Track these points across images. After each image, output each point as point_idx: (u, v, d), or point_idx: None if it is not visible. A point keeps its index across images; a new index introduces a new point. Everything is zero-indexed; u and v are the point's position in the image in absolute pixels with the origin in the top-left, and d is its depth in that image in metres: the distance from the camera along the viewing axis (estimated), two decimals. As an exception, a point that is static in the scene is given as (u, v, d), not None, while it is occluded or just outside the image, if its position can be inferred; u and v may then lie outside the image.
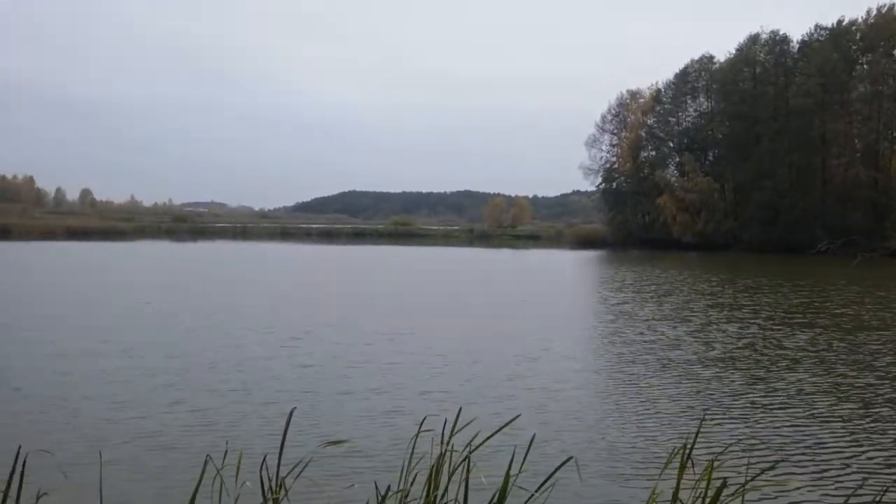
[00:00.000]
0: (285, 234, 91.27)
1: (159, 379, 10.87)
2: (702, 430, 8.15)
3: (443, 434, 3.67)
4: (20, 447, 2.85)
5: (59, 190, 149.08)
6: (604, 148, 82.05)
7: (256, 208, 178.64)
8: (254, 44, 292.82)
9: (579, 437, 8.35)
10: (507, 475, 3.35)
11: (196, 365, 11.94)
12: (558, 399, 10.11)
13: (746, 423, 9.05)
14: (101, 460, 3.80)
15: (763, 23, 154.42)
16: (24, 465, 2.83)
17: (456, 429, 3.64)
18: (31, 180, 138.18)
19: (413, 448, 3.68)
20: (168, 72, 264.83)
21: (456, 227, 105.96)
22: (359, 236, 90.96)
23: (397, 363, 12.39)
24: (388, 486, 3.22)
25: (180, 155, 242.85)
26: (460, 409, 4.02)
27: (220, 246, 64.02)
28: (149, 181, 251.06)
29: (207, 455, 3.21)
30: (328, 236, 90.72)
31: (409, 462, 3.69)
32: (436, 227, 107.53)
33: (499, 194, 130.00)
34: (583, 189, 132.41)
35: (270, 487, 3.17)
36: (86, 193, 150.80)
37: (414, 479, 3.59)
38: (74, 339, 14.29)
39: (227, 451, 3.33)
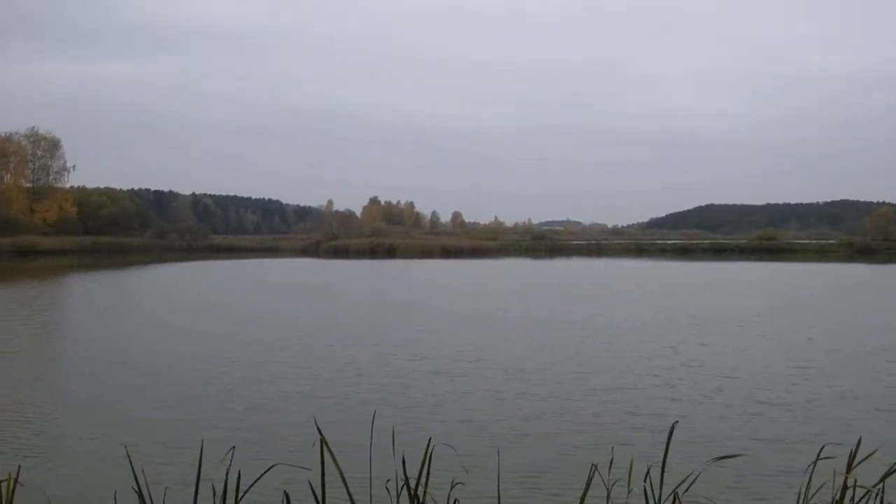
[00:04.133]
0: (639, 251, 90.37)
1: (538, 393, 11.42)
2: None
3: (848, 464, 3.28)
4: (430, 439, 3.12)
5: (434, 213, 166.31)
6: None
7: (610, 225, 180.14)
8: (602, 62, 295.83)
9: None
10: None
11: (573, 379, 12.33)
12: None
13: None
14: (500, 458, 4.03)
15: None
16: (431, 457, 3.09)
17: (859, 460, 3.22)
18: (411, 205, 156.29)
19: (811, 476, 3.34)
20: (521, 101, 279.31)
21: (831, 241, 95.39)
22: (718, 252, 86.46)
23: (792, 405, 11.06)
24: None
25: (538, 177, 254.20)
26: (860, 438, 3.56)
27: (579, 263, 65.54)
28: (510, 202, 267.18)
29: (593, 464, 3.23)
30: (684, 252, 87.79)
31: (807, 493, 3.35)
32: (806, 241, 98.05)
33: (884, 203, 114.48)
34: None
35: (656, 498, 3.08)
36: (456, 216, 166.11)
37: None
38: (446, 356, 15.61)
39: (612, 459, 3.32)
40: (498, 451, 4.40)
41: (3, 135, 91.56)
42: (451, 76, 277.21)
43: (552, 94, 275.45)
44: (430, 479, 3.09)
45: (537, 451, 8.22)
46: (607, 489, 3.20)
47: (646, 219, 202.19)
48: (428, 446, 3.06)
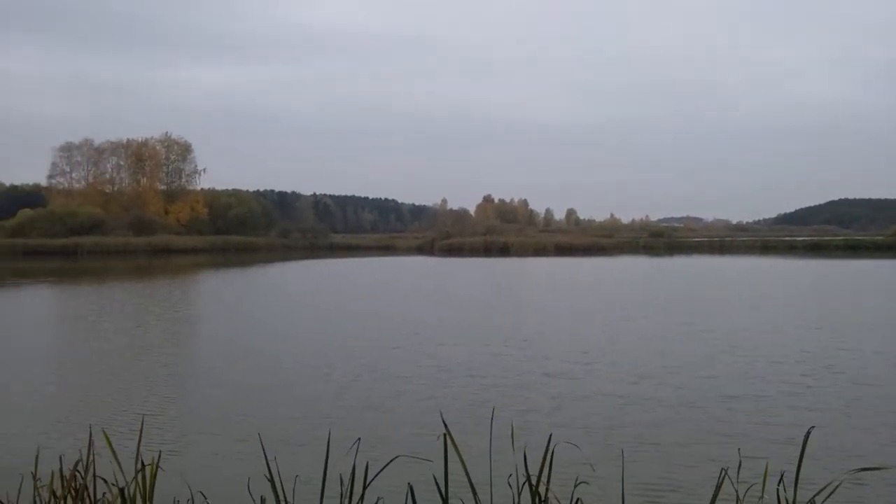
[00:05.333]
0: (766, 248, 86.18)
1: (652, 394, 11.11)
2: None
3: None
4: (551, 435, 3.10)
5: (548, 210, 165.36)
6: None
7: (734, 221, 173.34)
8: (728, 50, 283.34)
9: None
10: None
11: (697, 385, 11.96)
12: None
13: None
14: (623, 458, 3.96)
15: None
16: (552, 454, 3.07)
17: None
18: (525, 203, 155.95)
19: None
20: (640, 93, 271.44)
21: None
22: (852, 249, 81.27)
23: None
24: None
25: (656, 172, 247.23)
26: None
27: (700, 261, 63.35)
28: (626, 199, 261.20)
29: (723, 468, 3.12)
30: (815, 249, 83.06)
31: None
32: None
33: None
34: None
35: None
36: (571, 213, 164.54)
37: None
38: (563, 357, 15.43)
39: (740, 463, 3.19)
40: (622, 452, 4.32)
41: (140, 140, 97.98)
42: (566, 70, 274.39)
43: (673, 84, 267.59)
44: (551, 479, 3.07)
45: (661, 461, 7.96)
46: (738, 495, 3.08)
47: (773, 214, 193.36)
48: (549, 444, 3.04)
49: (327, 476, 3.20)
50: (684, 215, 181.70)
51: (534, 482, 2.95)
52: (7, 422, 10.17)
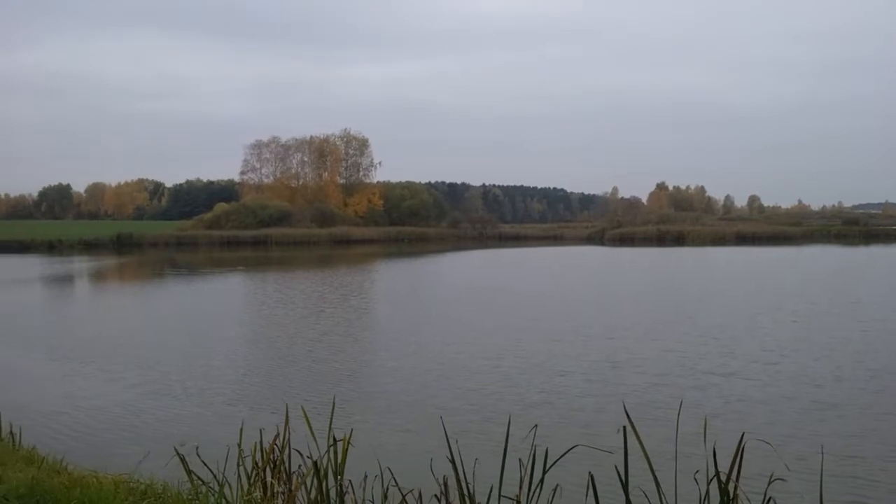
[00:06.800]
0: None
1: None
2: None
3: None
4: (743, 434, 2.96)
5: (727, 198, 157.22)
6: None
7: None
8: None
9: None
10: None
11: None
12: None
13: None
14: (823, 455, 3.73)
15: None
16: (742, 453, 2.93)
17: None
18: (702, 190, 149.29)
19: None
20: (825, 67, 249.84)
21: None
22: None
23: None
24: None
25: (850, 154, 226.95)
26: None
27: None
28: (816, 184, 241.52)
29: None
30: None
31: None
32: None
33: None
34: None
35: None
36: (753, 199, 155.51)
37: None
38: (745, 356, 14.61)
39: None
40: (821, 450, 4.05)
41: (322, 136, 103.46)
42: (749, 48, 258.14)
43: (867, 60, 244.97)
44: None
45: (859, 477, 7.34)
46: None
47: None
48: (740, 442, 2.91)
49: (507, 458, 3.25)
50: (883, 201, 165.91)
51: (723, 478, 2.84)
52: (210, 398, 11.16)
